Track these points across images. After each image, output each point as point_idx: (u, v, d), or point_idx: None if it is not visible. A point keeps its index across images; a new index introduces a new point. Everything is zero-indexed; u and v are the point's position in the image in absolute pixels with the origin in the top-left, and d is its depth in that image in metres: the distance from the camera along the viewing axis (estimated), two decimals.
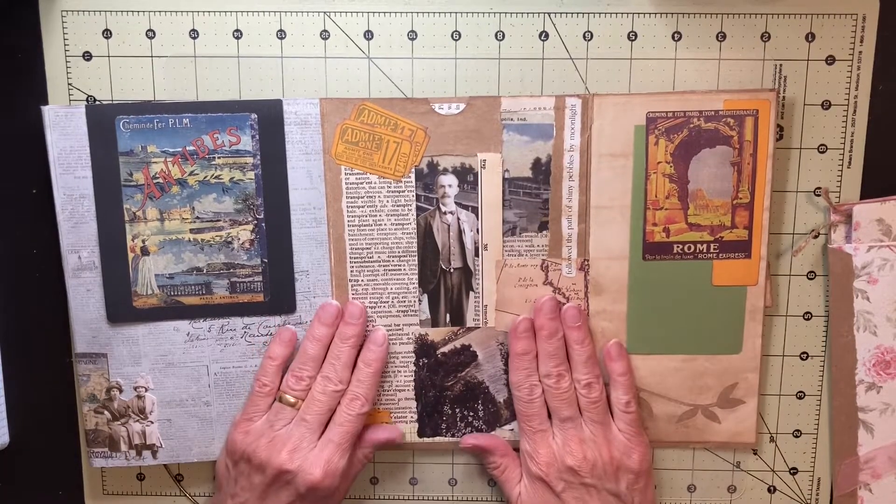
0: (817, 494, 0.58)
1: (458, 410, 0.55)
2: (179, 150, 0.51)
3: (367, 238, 0.53)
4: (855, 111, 0.53)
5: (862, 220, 0.53)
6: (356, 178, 0.52)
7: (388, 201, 0.53)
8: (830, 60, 0.52)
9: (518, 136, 0.52)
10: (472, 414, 0.55)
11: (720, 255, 0.53)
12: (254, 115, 0.51)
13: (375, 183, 0.52)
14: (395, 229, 0.53)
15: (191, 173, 0.51)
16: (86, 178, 0.51)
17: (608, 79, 0.52)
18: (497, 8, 0.52)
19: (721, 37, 0.52)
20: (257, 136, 0.51)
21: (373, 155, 0.52)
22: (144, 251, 0.52)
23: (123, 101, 0.52)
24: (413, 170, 0.52)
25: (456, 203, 0.53)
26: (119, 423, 0.54)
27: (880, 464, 0.56)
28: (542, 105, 0.52)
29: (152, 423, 0.55)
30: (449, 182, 0.53)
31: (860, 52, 0.52)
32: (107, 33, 0.52)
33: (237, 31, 0.52)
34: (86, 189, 0.51)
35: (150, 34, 0.52)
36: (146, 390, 0.54)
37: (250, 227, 0.52)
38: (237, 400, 0.55)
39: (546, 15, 0.52)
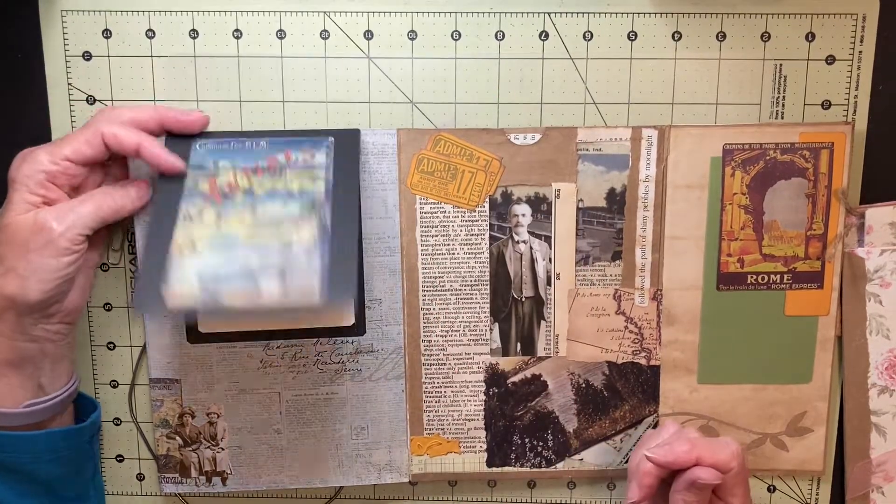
0: (817, 494, 0.58)
1: (527, 440, 0.55)
2: (252, 165, 0.49)
3: (440, 267, 0.53)
4: (855, 111, 0.53)
5: (875, 223, 0.53)
6: (431, 208, 0.52)
7: (461, 231, 0.53)
8: (830, 60, 0.52)
9: (593, 166, 0.52)
10: (541, 444, 0.55)
11: (793, 285, 0.53)
12: (331, 139, 0.50)
13: (450, 212, 0.53)
14: (467, 258, 0.53)
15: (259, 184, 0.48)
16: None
17: (608, 79, 0.52)
18: (497, 8, 0.52)
19: (721, 37, 0.52)
20: (332, 155, 0.50)
21: (448, 185, 0.52)
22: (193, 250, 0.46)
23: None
24: (487, 199, 0.52)
25: (529, 232, 0.53)
26: (190, 448, 0.54)
27: (892, 467, 0.56)
28: (619, 136, 0.52)
29: (223, 449, 0.55)
30: (522, 211, 0.53)
31: (860, 52, 0.52)
32: (107, 33, 0.52)
33: (237, 30, 0.52)
34: None
35: (150, 34, 0.52)
36: (218, 416, 0.54)
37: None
38: (308, 428, 0.55)
39: (546, 15, 0.52)
